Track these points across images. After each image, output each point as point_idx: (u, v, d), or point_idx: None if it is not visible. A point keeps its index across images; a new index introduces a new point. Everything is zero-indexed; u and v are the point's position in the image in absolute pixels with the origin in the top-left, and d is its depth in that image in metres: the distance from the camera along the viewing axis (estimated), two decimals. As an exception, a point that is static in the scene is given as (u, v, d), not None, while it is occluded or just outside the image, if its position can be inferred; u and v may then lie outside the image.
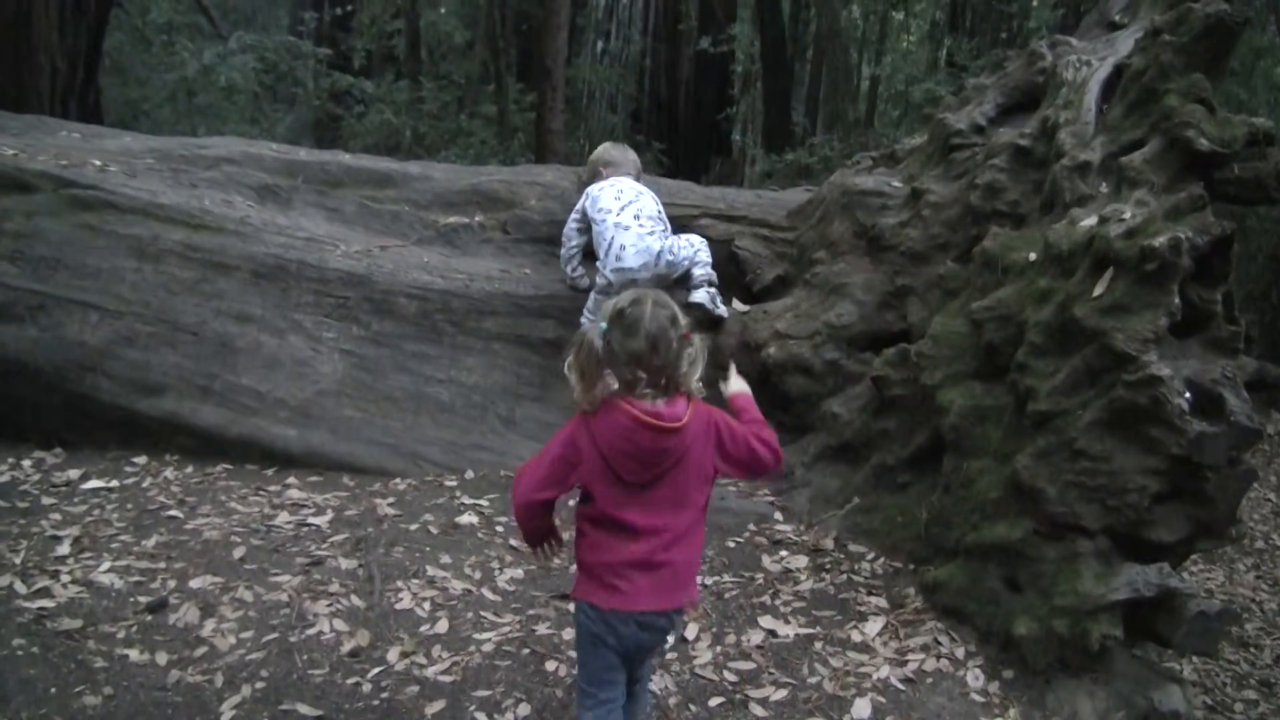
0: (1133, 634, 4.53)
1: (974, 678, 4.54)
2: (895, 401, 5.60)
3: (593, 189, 6.35)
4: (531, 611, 4.77)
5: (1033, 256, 5.10)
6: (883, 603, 5.03)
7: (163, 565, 4.98)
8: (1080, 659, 4.43)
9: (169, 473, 6.02)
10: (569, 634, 4.58)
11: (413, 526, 5.44)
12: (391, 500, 5.75)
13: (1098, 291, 4.61)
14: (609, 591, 3.44)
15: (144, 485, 5.87)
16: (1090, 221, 4.92)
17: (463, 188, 7.06)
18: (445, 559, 5.13)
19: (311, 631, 4.53)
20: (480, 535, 5.42)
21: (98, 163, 6.69)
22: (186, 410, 6.11)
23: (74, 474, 5.91)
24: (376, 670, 4.32)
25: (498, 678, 4.33)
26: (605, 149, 6.74)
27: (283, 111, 14.51)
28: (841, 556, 5.41)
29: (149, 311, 6.20)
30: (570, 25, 16.87)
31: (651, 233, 6.11)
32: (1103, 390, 4.54)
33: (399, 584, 4.89)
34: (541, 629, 4.64)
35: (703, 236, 6.38)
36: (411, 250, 6.63)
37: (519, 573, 5.09)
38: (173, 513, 5.50)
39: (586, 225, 6.32)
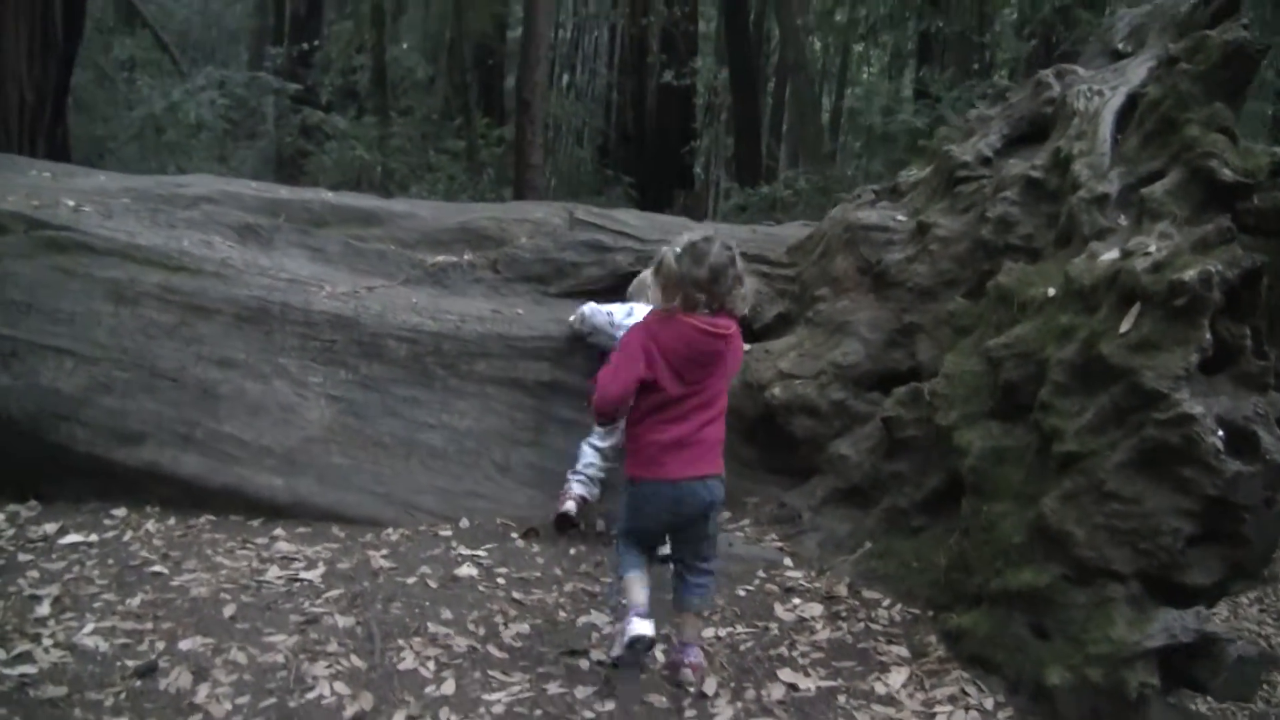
0: (1167, 681, 4.36)
1: (1005, 730, 4.36)
2: (907, 443, 5.44)
3: (639, 310, 5.74)
4: (541, 669, 4.54)
5: (1051, 292, 4.96)
6: (904, 652, 4.84)
7: (149, 626, 4.70)
8: (1115, 709, 4.25)
9: (150, 525, 5.76)
10: (581, 692, 4.38)
11: (410, 580, 5.21)
12: (385, 552, 5.51)
13: (1124, 328, 4.48)
14: (656, 466, 4.35)
15: (125, 539, 5.60)
16: (1111, 255, 4.79)
17: (451, 226, 6.85)
18: (446, 614, 4.89)
19: (311, 695, 4.27)
20: (481, 588, 5.19)
21: (71, 203, 6.45)
22: (167, 459, 5.86)
23: (50, 528, 5.64)
24: (383, 737, 4.09)
25: (512, 743, 4.11)
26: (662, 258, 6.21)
27: (249, 148, 14.24)
28: (856, 604, 5.22)
29: (126, 357, 5.95)
30: (538, 59, 16.81)
31: None
32: (1132, 430, 4.40)
33: (400, 642, 4.64)
34: (553, 688, 4.41)
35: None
36: (399, 291, 6.41)
37: (524, 628, 4.86)
38: (157, 568, 5.24)
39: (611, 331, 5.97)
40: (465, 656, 4.59)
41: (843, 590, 5.33)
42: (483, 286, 6.60)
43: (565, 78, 32.24)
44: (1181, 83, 5.01)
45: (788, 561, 5.60)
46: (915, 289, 5.85)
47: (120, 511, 5.86)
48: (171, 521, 5.81)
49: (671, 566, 4.67)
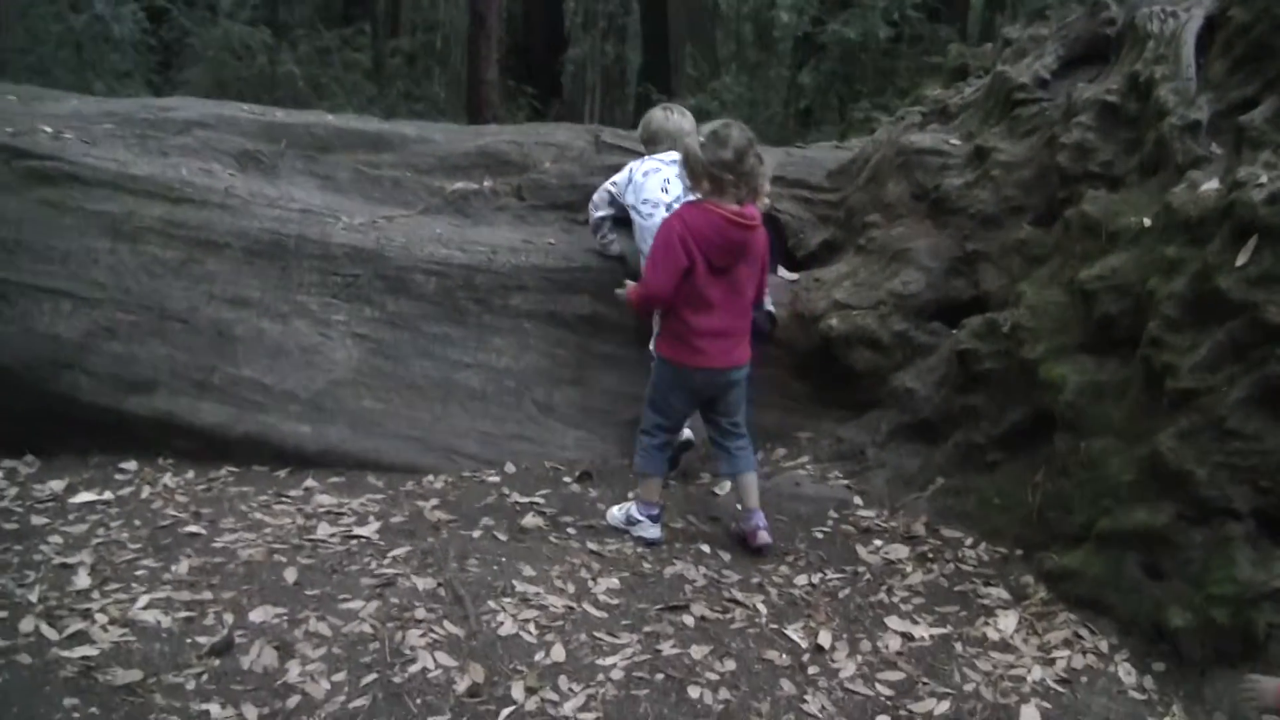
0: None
1: (1125, 673, 4.21)
2: (983, 376, 5.23)
3: (636, 169, 5.63)
4: (648, 629, 4.26)
5: (1147, 222, 4.75)
6: (1004, 594, 4.66)
7: (208, 595, 4.32)
8: (1240, 649, 4.11)
9: (168, 480, 5.38)
10: (697, 652, 4.12)
11: (475, 534, 4.89)
12: (435, 502, 5.18)
13: (1242, 260, 4.26)
14: (693, 352, 4.75)
15: (143, 496, 5.21)
16: (1212, 185, 4.58)
17: (468, 150, 6.40)
18: (528, 570, 4.57)
19: (415, 669, 3.94)
20: (554, 540, 4.89)
21: (48, 129, 5.88)
22: (183, 408, 5.46)
23: (57, 485, 5.24)
24: (508, 712, 3.76)
25: (642, 711, 3.82)
26: (668, 117, 5.81)
27: (177, 68, 13.44)
28: (939, 543, 5.04)
29: (130, 298, 5.51)
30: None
31: None
32: (1252, 365, 4.20)
33: (491, 604, 4.31)
34: (667, 649, 4.14)
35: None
36: (420, 220, 5.99)
37: (614, 582, 4.57)
38: (191, 528, 4.85)
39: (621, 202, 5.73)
40: (564, 618, 4.29)
41: (920, 529, 5.14)
42: (508, 215, 6.19)
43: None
44: (1275, 5, 4.79)
45: (857, 500, 5.39)
46: (977, 216, 5.59)
47: (131, 465, 5.48)
48: (190, 475, 5.43)
49: (707, 439, 5.22)
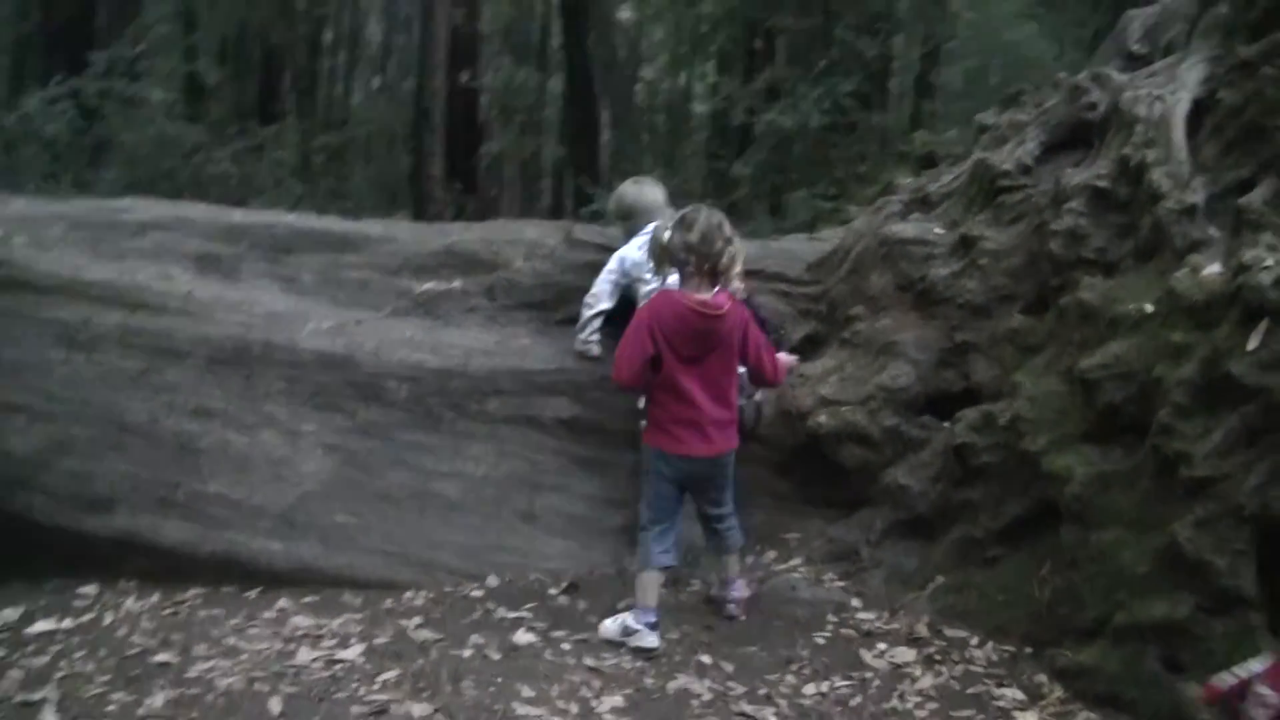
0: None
1: (1154, 775, 4.07)
2: (981, 470, 5.10)
3: (632, 250, 5.57)
4: (660, 748, 4.05)
5: (1149, 308, 4.67)
6: (1019, 695, 4.48)
7: (191, 731, 4.05)
8: (1270, 742, 3.99)
9: (131, 604, 5.08)
10: (713, 766, 3.91)
11: (466, 653, 4.63)
12: (419, 620, 4.93)
13: (1253, 345, 4.20)
14: (673, 440, 4.79)
15: (106, 623, 4.92)
16: (1215, 268, 4.53)
17: (435, 249, 6.19)
18: (527, 691, 4.33)
19: (423, 804, 3.70)
20: (549, 657, 4.65)
21: (-1, 232, 5.64)
22: (145, 527, 5.19)
23: (11, 614, 4.94)
24: None
25: (669, 842, 3.60)
26: (641, 191, 5.82)
27: (105, 166, 13.11)
28: (945, 644, 4.85)
29: (88, 411, 5.27)
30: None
31: None
32: (1267, 450, 4.12)
33: (493, 730, 4.08)
34: (682, 768, 3.93)
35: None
36: (389, 323, 5.78)
37: (618, 700, 4.33)
38: (162, 657, 4.56)
39: (625, 285, 5.59)
40: (572, 741, 4.05)
41: (924, 630, 4.96)
42: (479, 316, 5.99)
43: (376, 80, 31.30)
44: (1267, 88, 4.78)
45: (855, 602, 5.21)
46: (966, 305, 5.51)
47: (90, 589, 5.19)
48: (155, 598, 5.14)
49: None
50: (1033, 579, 4.84)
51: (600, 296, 5.67)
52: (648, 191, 5.73)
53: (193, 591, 5.17)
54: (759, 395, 5.44)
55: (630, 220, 5.71)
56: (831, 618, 5.11)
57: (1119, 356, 4.68)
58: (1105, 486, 4.62)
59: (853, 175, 15.20)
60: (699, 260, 4.68)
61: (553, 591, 5.29)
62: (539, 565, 5.41)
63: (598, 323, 5.67)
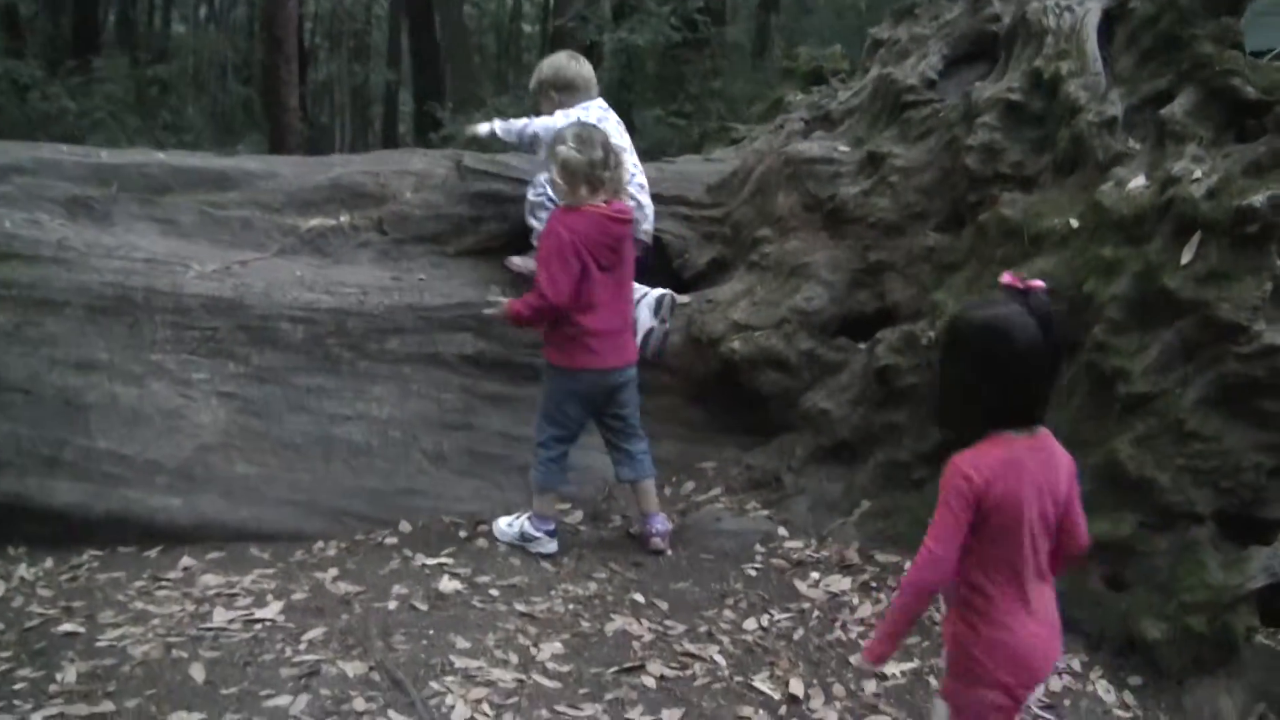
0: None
1: (1104, 691, 4.15)
2: (904, 392, 5.06)
3: (577, 113, 5.37)
4: (610, 695, 3.92)
5: (1075, 223, 4.66)
6: (957, 618, 4.50)
7: (110, 707, 3.75)
8: (1218, 655, 4.07)
9: (24, 571, 4.76)
10: (669, 716, 3.82)
11: (391, 605, 4.44)
12: (335, 572, 4.71)
13: (1186, 258, 4.23)
14: (587, 353, 4.77)
15: (0, 593, 4.60)
16: (1139, 182, 4.54)
17: (319, 183, 5.83)
18: (462, 642, 4.16)
19: (373, 770, 3.54)
20: (478, 604, 4.48)
21: None
22: (33, 489, 4.87)
23: (-111, 589, 4.58)
24: (487, 808, 3.41)
25: (630, 789, 3.51)
26: (565, 65, 5.60)
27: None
28: (878, 570, 4.83)
29: (-41, 369, 4.88)
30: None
31: (643, 187, 5.49)
32: (1206, 365, 4.17)
33: (433, 685, 3.89)
34: (636, 716, 3.83)
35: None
36: (277, 263, 5.47)
37: (558, 646, 4.20)
38: (66, 627, 4.26)
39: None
40: (518, 693, 3.90)
41: (855, 556, 4.93)
42: (371, 251, 5.71)
43: (203, 9, 30.14)
44: (1179, -2, 4.80)
45: (782, 531, 5.15)
46: (878, 224, 5.41)
47: (-25, 558, 4.84)
48: (49, 564, 4.84)
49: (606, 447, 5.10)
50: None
51: (518, 139, 5.52)
52: (586, 68, 5.60)
53: (89, 554, 4.87)
54: (666, 321, 5.32)
55: (565, 93, 5.51)
56: (760, 548, 5.05)
57: (1045, 272, 4.62)
58: (1034, 405, 4.62)
59: (707, 91, 15.11)
60: (607, 174, 4.73)
61: (463, 534, 5.13)
62: (452, 508, 5.23)
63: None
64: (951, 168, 5.29)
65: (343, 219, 5.76)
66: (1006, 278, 2.95)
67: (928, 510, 4.85)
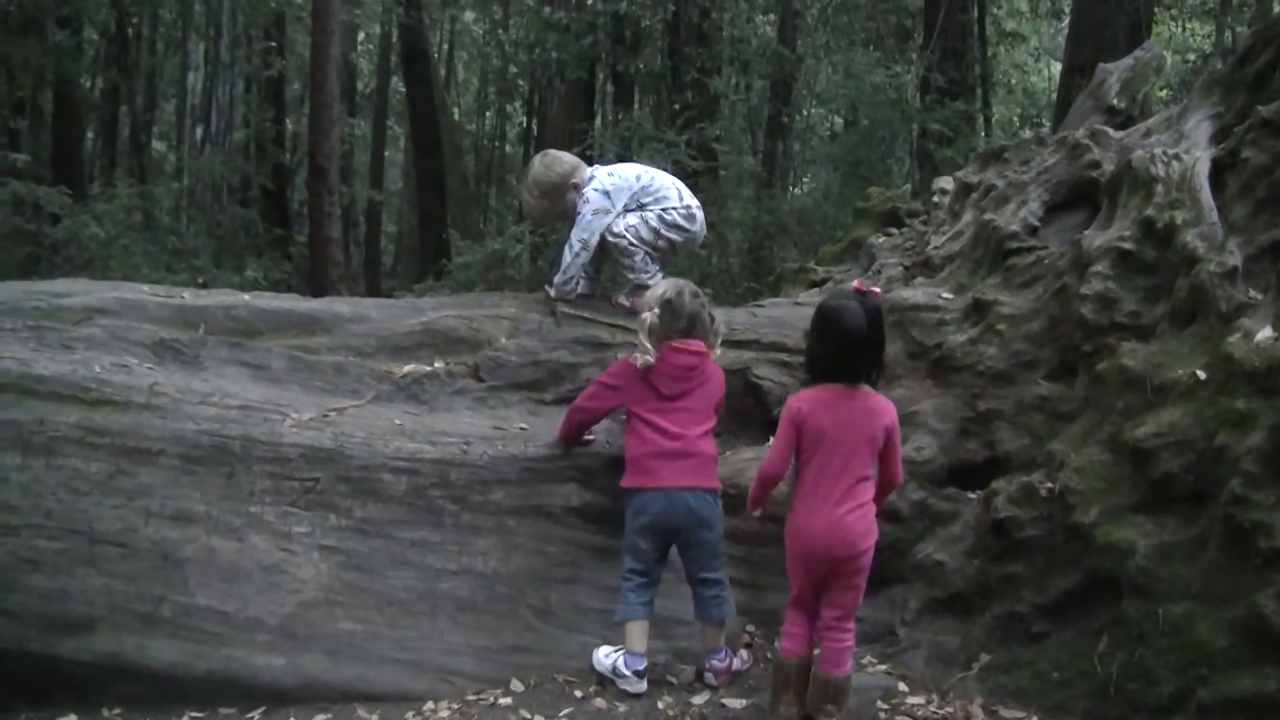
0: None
1: None
2: (1023, 544, 4.95)
3: (604, 177, 5.82)
4: None
5: (1202, 374, 4.62)
6: (1096, 776, 4.35)
7: None
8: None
9: (118, 735, 4.53)
10: None
11: (524, 772, 4.26)
12: (454, 736, 4.52)
13: (1323, 411, 4.19)
14: (647, 475, 4.90)
15: (93, 759, 4.37)
16: (1267, 333, 4.52)
17: (411, 328, 5.74)
18: (605, 811, 3.99)
19: None
20: (610, 769, 4.31)
21: (-86, 327, 5.03)
22: (130, 648, 4.67)
23: (-22, 754, 4.34)
24: None
25: None
26: (564, 155, 6.02)
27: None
28: (1006, 727, 4.69)
29: (52, 522, 4.71)
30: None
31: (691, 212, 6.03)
32: (1347, 518, 4.10)
33: None
34: None
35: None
36: (374, 411, 5.33)
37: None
38: (174, 799, 4.06)
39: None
40: None
41: (979, 712, 4.78)
42: (467, 399, 5.59)
43: (199, 131, 30.02)
44: (1295, 147, 4.82)
45: (902, 686, 4.99)
46: (986, 373, 5.38)
47: (69, 720, 4.60)
48: (147, 727, 4.59)
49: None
50: (1089, 655, 4.70)
51: (590, 244, 5.82)
52: (562, 159, 5.96)
53: (187, 716, 4.66)
54: None
55: (577, 176, 5.87)
56: (882, 705, 4.88)
57: (1173, 425, 4.61)
58: (1166, 558, 4.53)
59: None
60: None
61: (578, 694, 4.93)
62: (563, 665, 5.04)
63: (583, 271, 5.96)
64: (1061, 316, 5.26)
65: (437, 365, 5.65)
66: (856, 283, 4.39)
67: (1050, 664, 4.80)
